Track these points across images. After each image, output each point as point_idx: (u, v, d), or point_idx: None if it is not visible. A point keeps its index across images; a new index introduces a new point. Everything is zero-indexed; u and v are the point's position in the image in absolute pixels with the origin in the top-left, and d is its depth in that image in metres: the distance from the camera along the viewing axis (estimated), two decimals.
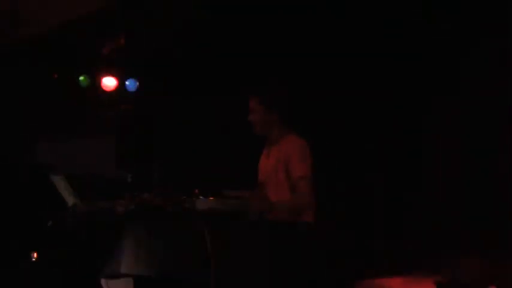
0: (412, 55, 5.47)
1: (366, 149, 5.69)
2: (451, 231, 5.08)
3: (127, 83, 7.50)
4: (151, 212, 3.95)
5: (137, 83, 7.53)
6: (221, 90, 6.28)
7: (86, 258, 4.32)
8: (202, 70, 6.62)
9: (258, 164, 4.48)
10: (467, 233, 5.03)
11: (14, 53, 7.06)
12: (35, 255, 5.56)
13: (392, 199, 5.47)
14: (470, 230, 5.03)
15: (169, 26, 6.37)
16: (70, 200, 4.61)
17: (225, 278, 3.64)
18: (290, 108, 4.32)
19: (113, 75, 7.49)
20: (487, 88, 5.05)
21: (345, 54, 5.70)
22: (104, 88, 7.57)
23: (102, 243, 4.40)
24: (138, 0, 5.55)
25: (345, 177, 5.66)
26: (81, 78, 7.42)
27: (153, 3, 5.76)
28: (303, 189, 4.03)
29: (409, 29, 5.38)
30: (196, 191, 4.12)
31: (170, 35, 6.54)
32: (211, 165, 6.46)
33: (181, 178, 5.99)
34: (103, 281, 3.97)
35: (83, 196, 4.83)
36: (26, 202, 6.52)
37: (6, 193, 7.05)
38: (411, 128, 5.56)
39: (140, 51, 6.91)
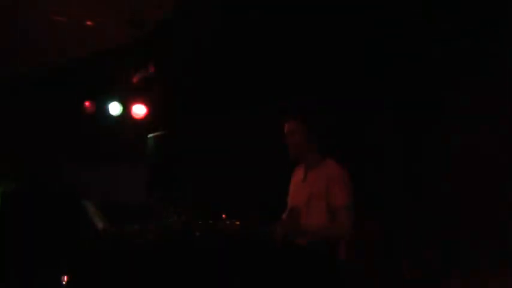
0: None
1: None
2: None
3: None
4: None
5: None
6: (250, 111, 6.28)
7: (115, 282, 4.40)
8: (231, 92, 6.67)
9: (290, 187, 4.42)
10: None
11: (45, 80, 7.23)
12: (65, 279, 5.66)
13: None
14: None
15: (197, 51, 6.47)
16: (100, 225, 4.71)
17: None
18: (329, 132, 4.36)
19: (142, 102, 7.61)
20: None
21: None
22: (134, 116, 7.69)
23: (132, 268, 4.49)
24: (166, 31, 5.66)
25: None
26: (112, 106, 7.57)
27: (180, 33, 5.88)
28: (343, 218, 3.96)
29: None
30: (224, 215, 4.19)
31: (197, 60, 6.63)
32: (239, 188, 6.50)
33: (210, 202, 6.04)
34: None
35: (113, 222, 4.93)
36: (58, 226, 6.64)
37: (40, 217, 7.19)
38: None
39: (169, 79, 7.04)
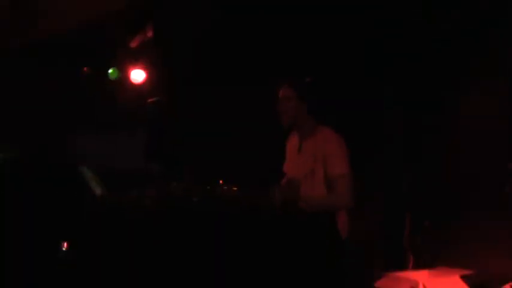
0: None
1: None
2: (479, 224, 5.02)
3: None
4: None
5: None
6: (250, 80, 6.26)
7: (114, 248, 4.38)
8: (229, 61, 6.62)
9: (286, 155, 4.44)
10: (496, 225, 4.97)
11: (41, 47, 7.15)
12: (65, 245, 5.65)
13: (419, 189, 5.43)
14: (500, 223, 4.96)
15: (198, 18, 6.38)
16: (98, 190, 4.68)
17: (243, 266, 3.66)
18: (321, 100, 4.31)
19: (141, 67, 7.53)
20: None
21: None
22: (133, 81, 7.62)
23: (131, 234, 4.47)
24: None
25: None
26: (111, 71, 7.48)
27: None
28: (342, 188, 3.98)
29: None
30: (221, 181, 4.16)
31: (199, 27, 6.55)
32: (238, 157, 6.49)
33: (208, 169, 6.03)
34: None
35: (112, 189, 4.90)
36: (56, 192, 6.62)
37: (37, 183, 7.17)
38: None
39: (168, 44, 6.95)
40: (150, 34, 6.81)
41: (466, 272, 4.36)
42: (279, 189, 4.06)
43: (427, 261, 5.05)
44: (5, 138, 8.79)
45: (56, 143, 7.98)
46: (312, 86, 4.28)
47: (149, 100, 7.81)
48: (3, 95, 7.70)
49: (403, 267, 5.25)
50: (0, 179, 7.56)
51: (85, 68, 7.60)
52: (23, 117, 7.98)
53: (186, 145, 7.00)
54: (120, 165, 7.39)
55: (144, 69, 7.40)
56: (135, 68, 7.39)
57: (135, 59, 7.33)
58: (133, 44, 7.05)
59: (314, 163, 4.11)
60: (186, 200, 3.96)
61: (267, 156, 5.31)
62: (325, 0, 5.57)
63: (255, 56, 6.06)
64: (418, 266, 5.12)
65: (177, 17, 6.39)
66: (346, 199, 4.02)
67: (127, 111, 7.89)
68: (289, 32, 5.88)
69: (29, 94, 7.78)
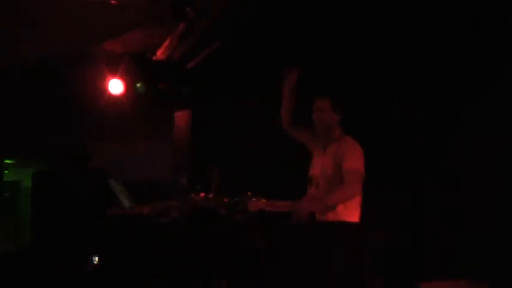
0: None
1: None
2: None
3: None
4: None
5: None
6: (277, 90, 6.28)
7: (141, 258, 4.42)
8: (258, 72, 6.64)
9: (312, 159, 4.61)
10: None
11: (72, 59, 7.23)
12: (96, 259, 5.72)
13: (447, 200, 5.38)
14: None
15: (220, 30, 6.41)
16: (126, 203, 4.72)
17: (273, 275, 3.69)
18: (350, 110, 4.52)
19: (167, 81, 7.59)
20: None
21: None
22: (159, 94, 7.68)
23: (157, 245, 4.51)
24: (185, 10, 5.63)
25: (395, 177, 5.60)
26: (138, 85, 7.56)
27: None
28: (352, 180, 4.15)
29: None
30: (249, 193, 4.19)
31: (219, 40, 6.58)
32: (265, 168, 6.50)
33: (235, 181, 6.04)
34: None
35: (140, 200, 4.94)
36: (87, 206, 6.71)
37: (69, 197, 7.27)
38: None
39: (192, 57, 7.00)
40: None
41: (496, 281, 4.31)
42: (298, 204, 4.13)
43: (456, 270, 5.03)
44: (34, 151, 8.95)
45: (85, 156, 8.07)
46: (345, 100, 4.52)
47: (177, 112, 7.91)
48: (31, 109, 7.82)
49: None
50: (36, 191, 7.73)
51: (113, 81, 7.65)
52: (56, 131, 8.11)
53: (214, 156, 7.03)
54: (147, 176, 7.46)
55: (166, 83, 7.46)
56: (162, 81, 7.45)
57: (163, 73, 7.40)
58: (160, 57, 7.09)
59: (333, 162, 4.33)
60: (214, 212, 3.97)
61: (293, 165, 5.35)
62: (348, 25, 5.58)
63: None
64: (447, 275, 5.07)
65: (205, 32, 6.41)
66: (355, 191, 4.17)
67: (154, 122, 7.97)
68: (321, 49, 5.92)
69: (59, 107, 7.89)
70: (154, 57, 7.12)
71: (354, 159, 4.23)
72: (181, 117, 7.88)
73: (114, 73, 7.38)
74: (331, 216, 4.18)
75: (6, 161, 10.01)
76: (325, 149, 4.47)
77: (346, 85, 5.51)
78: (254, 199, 4.14)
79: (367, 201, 4.30)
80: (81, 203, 6.97)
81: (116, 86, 7.47)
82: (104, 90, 7.42)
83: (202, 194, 4.65)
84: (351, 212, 4.23)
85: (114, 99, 7.55)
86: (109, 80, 7.41)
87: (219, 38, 6.32)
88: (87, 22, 6.13)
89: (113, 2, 5.51)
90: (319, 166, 4.46)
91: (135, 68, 7.48)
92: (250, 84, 6.70)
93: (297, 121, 4.77)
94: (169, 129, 8.00)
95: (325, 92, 4.54)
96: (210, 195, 4.54)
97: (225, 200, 4.20)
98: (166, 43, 6.59)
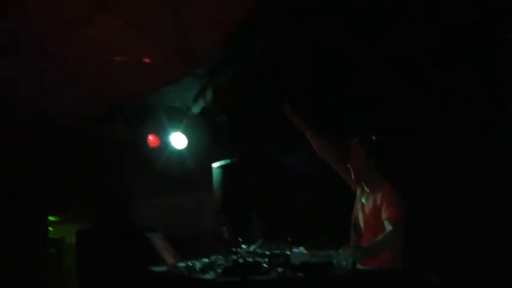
0: None
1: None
2: None
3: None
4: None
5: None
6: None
7: None
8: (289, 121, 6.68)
9: (354, 208, 4.65)
10: None
11: (108, 116, 7.38)
12: None
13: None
14: None
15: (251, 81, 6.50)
16: (169, 260, 4.73)
17: None
18: (385, 155, 4.54)
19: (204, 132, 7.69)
20: None
21: None
22: (198, 146, 7.77)
23: None
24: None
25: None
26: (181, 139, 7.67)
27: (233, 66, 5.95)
28: (394, 228, 4.15)
29: None
30: (289, 243, 4.18)
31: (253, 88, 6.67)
32: (303, 215, 6.49)
33: (277, 230, 6.02)
34: None
35: (183, 255, 4.95)
36: (129, 263, 6.73)
37: (112, 254, 7.33)
38: None
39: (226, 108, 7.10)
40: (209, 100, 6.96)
41: None
42: (344, 250, 4.10)
43: None
44: (78, 208, 9.06)
45: (127, 212, 8.15)
46: (378, 143, 4.53)
47: (214, 164, 7.97)
48: (75, 164, 7.97)
49: None
50: (80, 248, 7.81)
51: (151, 136, 7.77)
52: (96, 187, 8.22)
53: (254, 206, 7.05)
54: (190, 229, 7.50)
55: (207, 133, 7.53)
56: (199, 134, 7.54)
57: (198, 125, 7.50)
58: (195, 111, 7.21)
59: (374, 213, 4.37)
60: (256, 267, 3.95)
61: (339, 213, 5.33)
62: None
63: (327, 114, 6.11)
64: None
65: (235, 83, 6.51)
66: (396, 239, 4.17)
67: (190, 175, 8.03)
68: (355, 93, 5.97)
69: (98, 163, 8.02)
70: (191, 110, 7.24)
71: (395, 208, 4.24)
72: (219, 169, 7.94)
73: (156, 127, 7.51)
74: (373, 264, 4.15)
75: (51, 218, 10.15)
76: (366, 196, 4.52)
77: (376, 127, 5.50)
78: (295, 250, 4.12)
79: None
80: (125, 260, 7.02)
81: (153, 140, 7.59)
82: (145, 144, 7.55)
83: (243, 247, 4.64)
84: (394, 260, 4.20)
85: (153, 152, 7.67)
86: (148, 135, 7.55)
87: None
88: (122, 80, 6.30)
89: (146, 60, 5.66)
90: (361, 213, 4.52)
91: (172, 120, 7.61)
92: (288, 133, 6.74)
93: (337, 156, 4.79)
94: (209, 181, 8.07)
95: (356, 138, 4.55)
96: (251, 248, 4.54)
97: (267, 253, 4.19)
98: (201, 96, 6.71)
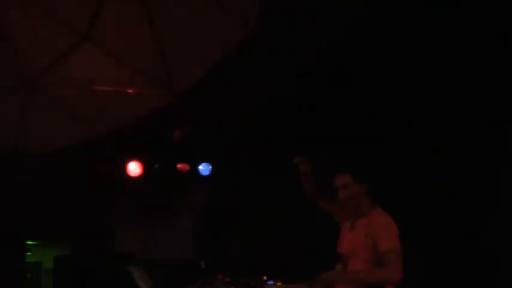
0: None
1: None
2: None
3: (200, 167, 7.75)
4: None
5: (210, 167, 7.76)
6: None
7: None
8: (271, 148, 6.73)
9: (340, 234, 4.43)
10: None
11: (89, 145, 7.42)
12: None
13: None
14: None
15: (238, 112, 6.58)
16: None
17: None
18: (376, 180, 4.39)
19: (185, 160, 7.74)
20: None
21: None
22: (180, 172, 7.81)
23: None
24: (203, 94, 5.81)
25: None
26: (156, 166, 7.72)
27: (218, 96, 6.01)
28: (393, 261, 3.96)
29: None
30: (265, 277, 4.21)
31: (239, 119, 6.73)
32: (284, 245, 6.51)
33: (252, 260, 6.06)
34: None
35: (159, 285, 4.97)
36: None
37: (89, 281, 7.32)
38: None
39: (209, 137, 7.17)
40: (188, 129, 7.02)
41: None
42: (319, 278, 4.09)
43: None
44: (56, 233, 9.04)
45: (104, 238, 8.16)
46: (366, 169, 4.39)
47: (193, 191, 8.01)
48: (53, 191, 7.98)
49: None
50: (57, 275, 7.78)
51: (131, 163, 7.80)
52: (75, 214, 8.23)
53: (233, 235, 7.07)
54: (168, 256, 7.51)
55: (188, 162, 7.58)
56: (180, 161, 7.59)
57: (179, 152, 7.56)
58: (176, 138, 7.25)
59: (364, 241, 4.12)
60: None
61: (321, 242, 5.32)
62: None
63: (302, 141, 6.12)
64: None
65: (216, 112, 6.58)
66: (396, 273, 3.96)
67: (172, 202, 8.07)
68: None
69: (79, 191, 8.04)
70: (171, 139, 7.29)
71: (390, 238, 4.05)
72: (198, 197, 7.99)
73: (133, 156, 7.56)
74: None
75: (29, 242, 10.10)
76: (353, 225, 4.30)
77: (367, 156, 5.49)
78: (270, 283, 4.16)
79: None
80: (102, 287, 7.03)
81: (134, 168, 7.63)
82: (124, 172, 7.58)
83: (219, 277, 4.68)
84: None
85: (133, 180, 7.70)
86: (128, 163, 7.59)
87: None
88: (103, 110, 6.38)
89: (129, 91, 5.74)
90: (347, 243, 4.29)
91: (153, 150, 7.65)
92: (268, 161, 6.77)
93: (324, 191, 4.57)
94: (188, 209, 8.11)
95: (344, 166, 4.35)
96: (227, 279, 4.57)
97: (242, 285, 4.23)
98: (181, 127, 6.77)
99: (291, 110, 6.37)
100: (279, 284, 4.10)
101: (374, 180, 4.34)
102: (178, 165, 7.81)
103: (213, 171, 7.76)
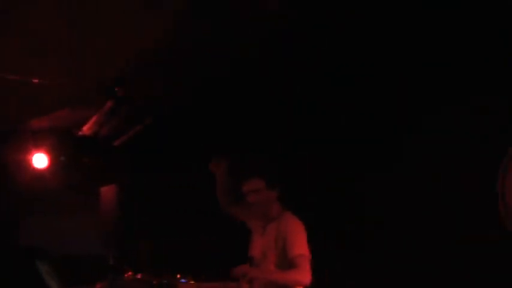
0: None
1: None
2: None
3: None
4: None
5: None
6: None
7: None
8: (188, 150, 6.72)
9: (251, 238, 4.56)
10: None
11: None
12: None
13: None
14: None
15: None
16: (53, 285, 4.69)
17: None
18: (286, 185, 4.48)
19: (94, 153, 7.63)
20: None
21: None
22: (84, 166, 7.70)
23: None
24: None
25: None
26: (61, 158, 7.58)
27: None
28: (303, 266, 4.08)
29: None
30: (178, 275, 4.24)
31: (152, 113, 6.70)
32: (196, 245, 6.51)
33: (166, 258, 6.03)
34: None
35: (67, 281, 4.91)
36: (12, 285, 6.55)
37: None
38: None
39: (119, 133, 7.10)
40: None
41: None
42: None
43: None
44: None
45: (13, 234, 7.92)
46: (279, 174, 4.46)
47: (103, 187, 7.90)
48: None
49: None
50: None
51: (35, 156, 7.62)
52: None
53: (143, 232, 7.01)
54: (76, 252, 7.38)
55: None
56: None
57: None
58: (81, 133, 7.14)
59: (275, 245, 4.25)
60: None
61: (226, 243, 5.34)
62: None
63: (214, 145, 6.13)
64: None
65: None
66: (306, 276, 4.11)
67: (81, 196, 7.92)
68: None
69: None
70: (80, 133, 7.16)
71: (300, 243, 4.15)
72: (107, 192, 7.88)
73: (39, 148, 7.38)
74: None
75: None
76: (264, 229, 4.39)
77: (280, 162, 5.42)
78: (183, 281, 4.18)
79: None
80: (10, 284, 6.82)
81: (40, 160, 7.45)
82: (29, 164, 7.38)
83: (129, 273, 4.65)
84: None
85: (39, 173, 7.52)
86: (33, 155, 7.40)
87: (147, 118, 6.43)
88: (11, 101, 6.18)
89: (34, 81, 5.56)
90: (259, 247, 4.38)
91: (60, 142, 7.50)
92: (181, 161, 6.76)
93: (235, 198, 4.62)
94: (97, 204, 7.98)
95: (257, 171, 4.42)
96: (138, 276, 4.56)
97: (154, 282, 4.24)
98: (93, 119, 6.66)
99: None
100: (191, 282, 4.14)
101: (286, 185, 4.46)
102: None
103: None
